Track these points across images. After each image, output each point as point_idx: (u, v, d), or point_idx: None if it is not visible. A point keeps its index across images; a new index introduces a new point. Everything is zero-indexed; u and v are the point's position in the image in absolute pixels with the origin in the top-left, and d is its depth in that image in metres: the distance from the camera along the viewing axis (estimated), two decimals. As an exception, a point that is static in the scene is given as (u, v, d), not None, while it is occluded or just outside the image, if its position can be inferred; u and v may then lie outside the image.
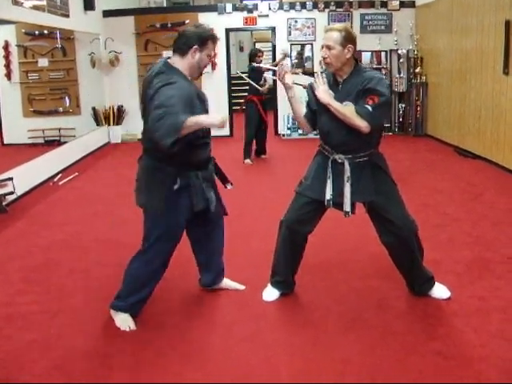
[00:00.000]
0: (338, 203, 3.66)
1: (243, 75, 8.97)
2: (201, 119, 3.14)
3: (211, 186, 3.61)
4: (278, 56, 11.09)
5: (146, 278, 3.60)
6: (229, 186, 3.87)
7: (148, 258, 3.55)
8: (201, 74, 3.58)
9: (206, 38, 3.40)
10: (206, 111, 3.43)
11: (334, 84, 3.61)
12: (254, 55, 9.14)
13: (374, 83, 3.42)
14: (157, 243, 3.51)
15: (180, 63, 3.40)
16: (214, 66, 11.61)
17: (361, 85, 3.45)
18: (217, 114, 3.17)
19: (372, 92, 3.40)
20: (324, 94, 3.48)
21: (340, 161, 3.62)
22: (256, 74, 8.98)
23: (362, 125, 3.39)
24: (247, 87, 9.36)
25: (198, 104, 3.36)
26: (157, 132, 3.06)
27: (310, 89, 3.67)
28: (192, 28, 3.48)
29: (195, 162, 3.45)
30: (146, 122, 3.33)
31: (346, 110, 3.42)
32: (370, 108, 3.38)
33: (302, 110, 3.76)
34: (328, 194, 3.64)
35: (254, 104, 9.08)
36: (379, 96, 3.40)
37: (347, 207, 3.63)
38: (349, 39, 3.46)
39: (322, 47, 3.54)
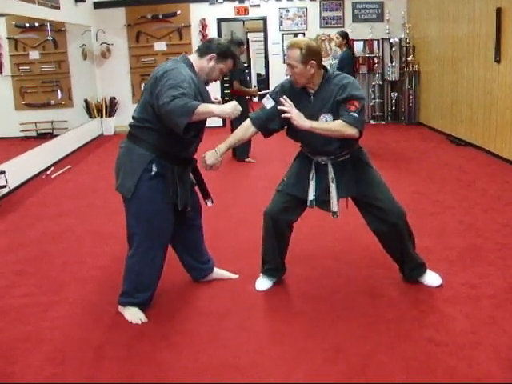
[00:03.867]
0: (321, 202, 3.70)
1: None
2: (212, 108, 3.17)
3: (185, 185, 3.57)
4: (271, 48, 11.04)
5: (147, 273, 3.59)
6: (209, 203, 3.85)
7: (143, 252, 3.53)
8: (207, 83, 3.58)
9: (228, 55, 3.50)
10: None
11: (305, 95, 3.57)
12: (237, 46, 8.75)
13: (349, 90, 3.42)
14: (145, 234, 3.51)
15: (195, 62, 3.47)
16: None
17: (336, 94, 3.44)
18: (229, 104, 3.22)
19: (350, 98, 3.39)
20: (302, 120, 3.37)
21: (323, 162, 3.66)
22: (240, 70, 8.63)
23: (353, 132, 3.38)
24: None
25: (201, 99, 3.35)
26: (169, 114, 3.10)
27: (275, 108, 3.55)
28: (225, 41, 3.61)
29: (173, 155, 3.45)
30: (144, 103, 3.39)
31: (331, 126, 3.41)
32: (355, 114, 3.37)
33: (242, 136, 3.72)
34: (311, 195, 3.68)
35: (246, 100, 8.64)
36: (359, 100, 3.40)
37: (334, 207, 3.67)
38: (310, 54, 3.40)
39: (286, 65, 3.53)
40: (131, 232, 3.57)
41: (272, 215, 3.78)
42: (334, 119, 3.45)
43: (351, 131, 3.37)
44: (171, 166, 3.43)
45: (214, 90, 11.32)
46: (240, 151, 8.68)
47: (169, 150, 3.41)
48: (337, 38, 8.48)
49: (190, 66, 3.43)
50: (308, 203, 3.69)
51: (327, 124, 3.43)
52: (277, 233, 3.84)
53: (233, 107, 3.19)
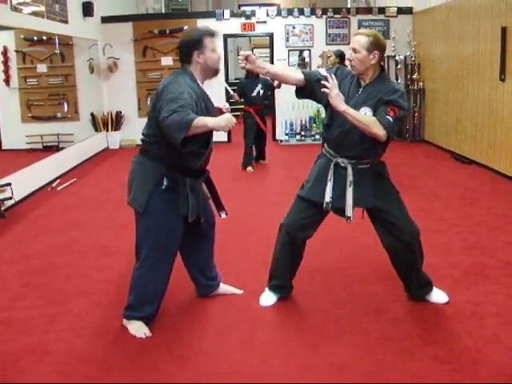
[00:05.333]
0: (337, 207, 3.68)
1: (227, 87, 8.86)
2: (207, 120, 3.14)
3: (197, 196, 3.57)
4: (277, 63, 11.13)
5: (153, 286, 3.59)
6: (223, 215, 3.86)
7: (150, 265, 3.53)
8: (217, 71, 3.58)
9: (200, 39, 3.43)
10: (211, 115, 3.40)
11: (356, 85, 3.61)
12: None
13: (397, 96, 3.44)
14: (155, 249, 3.52)
15: (192, 70, 3.48)
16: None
17: (384, 94, 3.46)
18: (223, 117, 3.20)
19: (394, 104, 3.42)
20: (338, 101, 3.41)
21: (343, 165, 3.64)
22: (250, 79, 8.95)
23: (381, 133, 3.38)
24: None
25: (204, 107, 3.40)
26: (168, 129, 3.13)
27: (322, 85, 3.50)
28: (185, 36, 3.54)
29: (184, 167, 3.46)
30: (151, 118, 3.43)
31: (364, 118, 3.42)
32: (390, 119, 3.38)
33: (293, 76, 3.71)
34: (327, 197, 3.65)
35: (250, 114, 9.01)
36: (400, 109, 3.42)
37: (349, 212, 3.65)
38: (376, 45, 3.46)
39: (349, 49, 3.56)
40: (139, 244, 3.58)
41: (288, 230, 3.78)
42: (373, 115, 3.46)
43: (379, 131, 3.37)
44: (183, 178, 3.45)
45: (218, 103, 11.41)
46: (244, 160, 9.02)
47: (179, 162, 3.42)
48: (330, 56, 8.34)
49: (191, 75, 3.44)
50: (324, 205, 3.66)
51: (361, 115, 3.43)
52: (291, 248, 3.84)
53: (227, 120, 3.17)
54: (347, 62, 3.64)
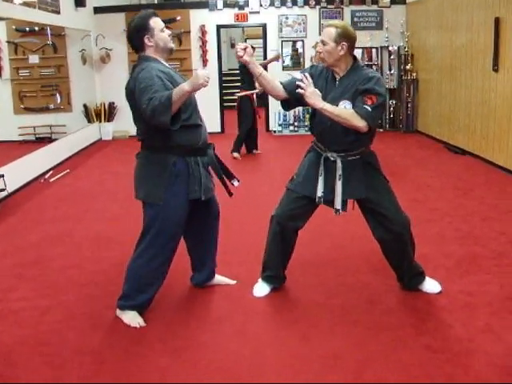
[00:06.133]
0: (329, 200, 3.69)
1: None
2: (183, 87, 3.13)
3: (207, 175, 3.58)
4: (270, 54, 11.10)
5: (150, 276, 3.59)
6: (235, 183, 3.86)
7: (150, 256, 3.54)
8: (171, 49, 3.55)
9: (144, 24, 3.42)
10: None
11: (331, 80, 3.61)
12: None
13: (372, 83, 3.43)
14: (157, 239, 3.51)
15: (146, 53, 3.48)
16: (205, 62, 11.63)
17: (359, 84, 3.46)
18: (196, 75, 3.16)
19: (370, 92, 3.40)
20: (314, 99, 3.41)
21: (332, 159, 3.64)
22: (248, 71, 8.85)
23: (361, 125, 3.38)
24: (239, 84, 9.37)
25: (181, 80, 3.39)
26: (152, 117, 3.14)
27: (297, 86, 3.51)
28: (130, 26, 3.51)
29: (190, 147, 3.45)
30: (135, 117, 3.45)
31: (342, 112, 3.42)
32: (369, 108, 3.37)
33: (277, 88, 3.69)
34: (319, 191, 3.67)
35: (249, 100, 9.12)
36: (377, 96, 3.41)
37: (338, 205, 3.66)
38: (344, 36, 3.45)
39: (319, 41, 3.57)
40: (142, 235, 3.57)
41: (279, 221, 3.80)
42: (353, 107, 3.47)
43: (359, 123, 3.38)
44: (195, 159, 3.46)
45: (212, 94, 11.41)
46: (235, 146, 9.16)
47: (184, 144, 3.42)
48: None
49: (152, 59, 3.44)
50: (316, 200, 3.69)
51: (338, 109, 3.43)
52: (283, 239, 3.85)
53: (200, 76, 3.13)
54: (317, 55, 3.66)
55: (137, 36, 3.44)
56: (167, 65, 3.53)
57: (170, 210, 3.46)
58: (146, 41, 3.42)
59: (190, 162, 3.45)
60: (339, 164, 3.61)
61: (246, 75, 8.89)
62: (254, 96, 9.23)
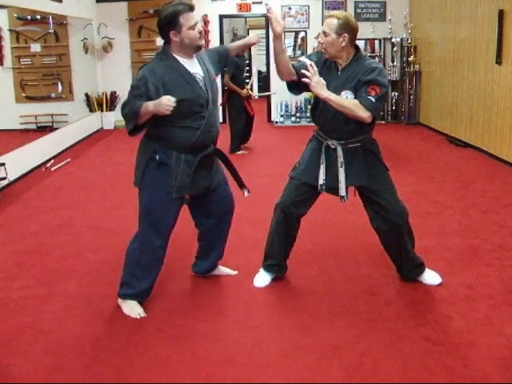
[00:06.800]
0: (331, 188, 3.70)
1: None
2: (147, 106, 3.23)
3: (196, 174, 3.54)
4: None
5: (145, 261, 3.59)
6: (246, 193, 3.88)
7: (142, 238, 3.56)
8: (199, 47, 3.44)
9: (174, 17, 3.28)
10: (193, 93, 3.38)
11: (334, 69, 3.60)
12: None
13: (375, 74, 3.42)
14: (146, 223, 3.55)
15: (171, 49, 3.42)
16: (207, 44, 11.52)
17: (361, 74, 3.45)
18: (160, 100, 3.19)
19: (374, 82, 3.40)
20: (319, 88, 3.40)
21: (333, 146, 3.65)
22: (238, 69, 8.58)
23: (366, 116, 3.39)
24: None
25: (185, 85, 3.36)
26: (123, 118, 3.38)
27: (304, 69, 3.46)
28: (160, 15, 3.36)
29: (175, 142, 3.44)
30: None
31: (346, 102, 3.42)
32: (373, 99, 3.38)
33: (289, 66, 3.60)
34: (321, 179, 3.68)
35: (239, 97, 8.63)
36: (380, 87, 3.41)
37: (342, 191, 3.67)
38: (345, 28, 3.44)
39: (321, 32, 3.54)
40: (138, 220, 3.61)
41: (283, 208, 3.81)
42: (355, 98, 3.45)
43: (363, 114, 3.38)
44: (177, 154, 3.44)
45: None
46: (234, 145, 8.81)
47: (170, 137, 3.42)
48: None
49: (168, 56, 3.39)
50: (318, 187, 3.70)
51: (343, 100, 3.43)
52: (286, 227, 3.86)
53: (164, 104, 3.17)
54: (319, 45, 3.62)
55: (164, 29, 3.34)
56: (186, 64, 3.42)
57: (149, 195, 3.52)
58: (171, 36, 3.32)
59: (171, 155, 3.45)
60: (340, 152, 3.62)
61: (239, 70, 8.61)
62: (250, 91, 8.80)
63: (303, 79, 3.41)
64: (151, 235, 3.55)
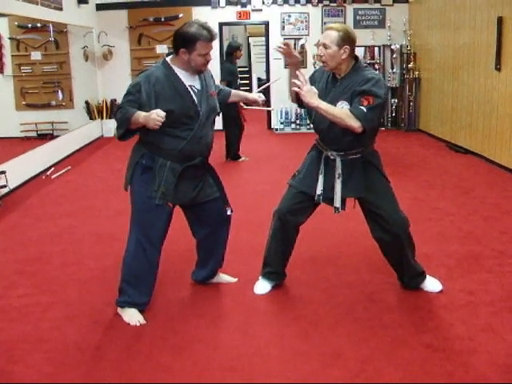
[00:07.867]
0: (328, 198, 3.69)
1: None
2: (139, 116, 3.30)
3: (182, 183, 3.55)
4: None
5: (137, 267, 3.58)
6: (228, 212, 3.85)
7: (133, 244, 3.57)
8: (200, 72, 3.49)
9: (193, 40, 3.33)
10: (182, 105, 3.41)
11: (332, 80, 3.60)
12: (236, 49, 8.70)
13: (370, 84, 3.40)
14: (135, 226, 3.59)
15: (175, 60, 3.46)
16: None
17: (357, 84, 3.43)
18: (151, 113, 3.24)
19: (368, 93, 3.37)
20: (309, 97, 3.35)
21: (332, 157, 3.65)
22: (234, 76, 8.62)
23: (356, 125, 3.34)
24: (240, 81, 9.19)
25: (175, 96, 3.40)
26: (115, 121, 3.50)
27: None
28: (184, 27, 3.39)
29: (163, 149, 3.46)
30: None
31: (336, 111, 3.38)
32: (364, 109, 3.34)
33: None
34: (319, 190, 3.68)
35: (236, 105, 8.23)
36: (375, 97, 3.37)
37: (337, 203, 3.67)
38: (346, 40, 3.43)
39: (320, 45, 3.52)
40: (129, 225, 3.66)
41: (280, 216, 3.80)
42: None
43: (354, 123, 3.34)
44: (163, 161, 3.46)
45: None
46: (232, 153, 8.80)
47: (156, 143, 3.46)
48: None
49: (166, 66, 3.45)
50: (316, 198, 3.69)
51: (333, 109, 3.40)
52: (283, 235, 3.86)
53: (153, 119, 3.23)
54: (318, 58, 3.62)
55: (177, 42, 3.37)
56: (183, 75, 3.46)
57: (136, 198, 3.58)
58: (181, 52, 3.36)
59: (157, 161, 3.47)
60: (338, 163, 3.61)
61: (234, 77, 8.62)
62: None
63: (293, 88, 3.40)
64: (143, 241, 3.56)
